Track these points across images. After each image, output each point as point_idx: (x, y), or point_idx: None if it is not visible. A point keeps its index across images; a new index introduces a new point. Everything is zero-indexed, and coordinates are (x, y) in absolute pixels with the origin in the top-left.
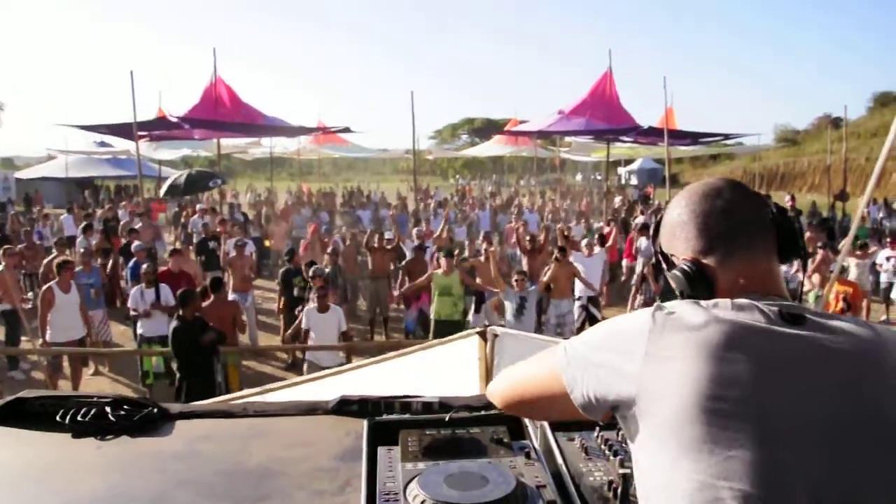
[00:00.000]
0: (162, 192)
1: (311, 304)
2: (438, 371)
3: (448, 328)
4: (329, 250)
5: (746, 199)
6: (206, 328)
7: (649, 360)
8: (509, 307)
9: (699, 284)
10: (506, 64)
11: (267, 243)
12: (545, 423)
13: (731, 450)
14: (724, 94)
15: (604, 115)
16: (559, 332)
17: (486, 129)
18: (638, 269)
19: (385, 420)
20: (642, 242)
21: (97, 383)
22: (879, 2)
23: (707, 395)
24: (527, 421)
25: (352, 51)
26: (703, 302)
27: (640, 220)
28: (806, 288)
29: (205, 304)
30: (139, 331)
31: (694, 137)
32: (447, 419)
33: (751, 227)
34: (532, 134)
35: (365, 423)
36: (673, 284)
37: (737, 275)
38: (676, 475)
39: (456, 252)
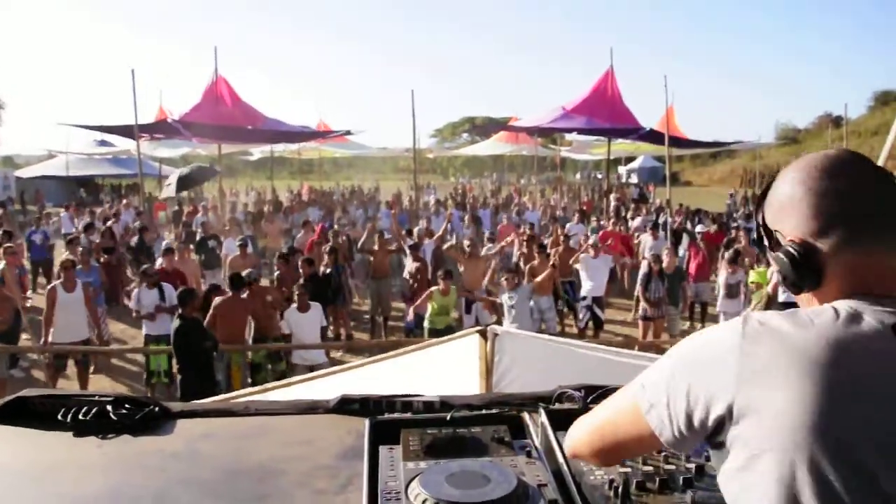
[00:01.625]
0: (162, 194)
1: (293, 305)
2: (439, 370)
3: (442, 334)
4: (327, 249)
5: (876, 178)
6: (204, 332)
7: (743, 377)
8: (506, 303)
9: (806, 271)
10: (506, 63)
11: (262, 242)
12: (545, 421)
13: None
14: (725, 93)
15: (606, 114)
16: (542, 328)
17: (486, 127)
18: (643, 269)
19: (387, 419)
20: (647, 241)
21: (97, 382)
22: (881, 1)
23: (809, 423)
24: (527, 419)
25: (352, 50)
26: (803, 311)
27: (637, 221)
28: None
29: (221, 298)
30: (144, 331)
31: (695, 146)
32: (448, 418)
33: (878, 213)
34: (534, 130)
35: (367, 421)
36: (775, 266)
37: (853, 267)
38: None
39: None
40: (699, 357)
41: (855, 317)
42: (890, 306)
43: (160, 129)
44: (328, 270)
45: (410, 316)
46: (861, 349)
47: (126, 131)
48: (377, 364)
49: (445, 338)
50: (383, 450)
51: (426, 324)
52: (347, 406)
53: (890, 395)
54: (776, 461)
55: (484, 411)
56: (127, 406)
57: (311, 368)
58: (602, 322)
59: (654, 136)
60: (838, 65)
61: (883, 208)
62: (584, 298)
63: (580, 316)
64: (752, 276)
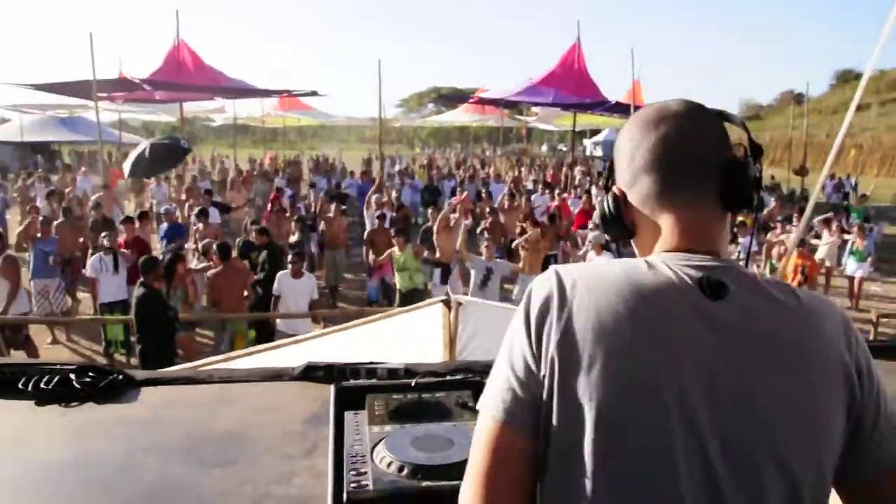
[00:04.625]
0: (126, 170)
1: (286, 269)
2: (403, 339)
3: (410, 298)
4: (296, 218)
5: (696, 131)
6: (165, 302)
7: (557, 324)
8: (474, 276)
9: (613, 223)
10: (474, 34)
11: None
12: None
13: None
14: (690, 69)
15: (572, 87)
16: None
17: (452, 97)
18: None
19: (352, 385)
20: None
21: (55, 353)
22: None
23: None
24: None
25: (318, 17)
26: (616, 261)
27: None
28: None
29: (214, 270)
30: (99, 299)
31: None
32: (413, 384)
33: (688, 167)
34: (500, 102)
35: (332, 387)
36: (594, 214)
37: (662, 222)
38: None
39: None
40: (520, 321)
41: (665, 270)
42: (703, 259)
43: (120, 86)
44: (293, 239)
45: (373, 284)
46: (660, 302)
47: (83, 90)
48: (340, 333)
49: (410, 307)
50: (349, 415)
51: (398, 284)
52: (312, 373)
53: (670, 356)
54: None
55: (448, 377)
56: (90, 374)
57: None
58: None
59: (620, 109)
60: (801, 44)
61: (695, 162)
62: None
63: None
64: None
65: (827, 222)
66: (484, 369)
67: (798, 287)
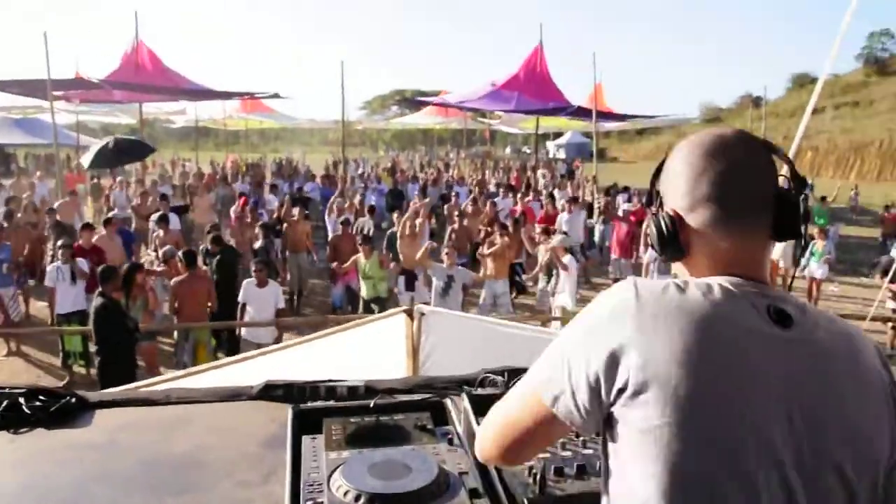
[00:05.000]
0: (86, 160)
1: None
2: (366, 350)
3: (374, 306)
4: (259, 224)
5: (753, 163)
6: (124, 313)
7: (641, 331)
8: (435, 284)
9: (670, 244)
10: (437, 38)
11: (189, 217)
12: (468, 407)
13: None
14: (652, 73)
15: (535, 91)
16: (494, 313)
17: (416, 100)
18: (556, 241)
19: (309, 407)
20: (563, 216)
21: (11, 365)
22: None
23: (694, 396)
24: (450, 405)
25: (283, 19)
26: (692, 282)
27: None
28: None
29: (178, 278)
30: (57, 310)
31: (621, 119)
32: (371, 405)
33: (747, 199)
34: (463, 107)
35: (290, 410)
36: (647, 230)
37: (720, 247)
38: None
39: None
40: (595, 324)
41: (738, 295)
42: (759, 287)
43: (77, 85)
44: (257, 245)
45: (338, 290)
46: (737, 326)
47: (38, 89)
48: (304, 345)
49: (372, 317)
50: (306, 440)
51: (362, 292)
52: (271, 392)
53: (754, 373)
54: (659, 426)
55: (407, 397)
56: (40, 398)
57: (259, 346)
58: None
59: (582, 113)
60: (759, 49)
61: (752, 194)
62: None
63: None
64: None
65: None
66: (445, 385)
67: None
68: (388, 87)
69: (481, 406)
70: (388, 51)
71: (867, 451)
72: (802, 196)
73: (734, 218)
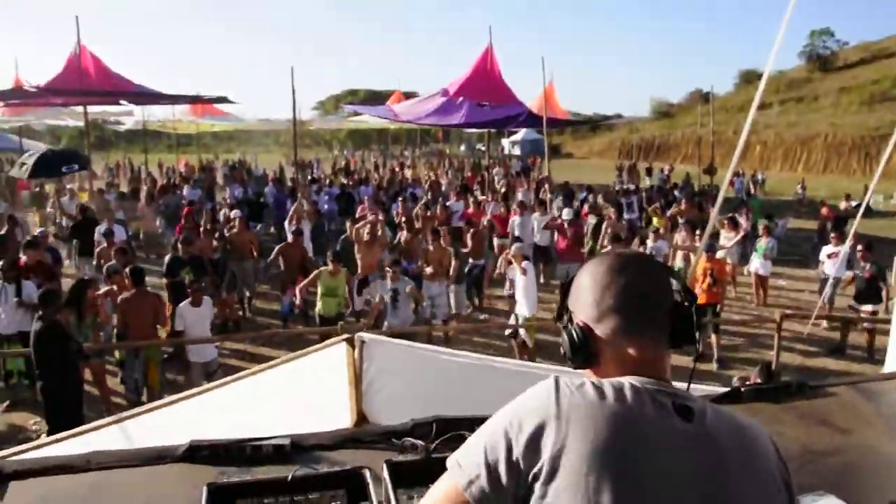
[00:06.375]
0: (25, 172)
1: (187, 300)
2: (308, 381)
3: (332, 324)
4: (217, 235)
5: (650, 280)
6: (67, 336)
7: (558, 435)
8: (381, 299)
9: (581, 352)
10: (389, 38)
11: (137, 226)
12: (387, 480)
13: None
14: (602, 72)
15: (488, 93)
16: (432, 314)
17: (369, 100)
18: (514, 249)
19: (224, 485)
20: (515, 219)
21: None
22: None
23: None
24: (368, 478)
25: (228, 25)
26: (606, 382)
27: (520, 194)
28: (678, 258)
29: (125, 295)
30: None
31: (573, 124)
32: (288, 479)
33: (648, 310)
34: (414, 123)
35: (204, 489)
36: (561, 341)
37: (626, 354)
38: None
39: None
40: (518, 414)
41: (643, 392)
42: (663, 386)
43: (16, 95)
44: (216, 256)
45: (287, 300)
46: (646, 423)
47: None
48: (248, 379)
49: (313, 348)
50: None
51: (317, 309)
52: (196, 454)
53: (666, 471)
54: None
55: (325, 470)
56: None
57: (206, 365)
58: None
59: (533, 121)
60: (707, 45)
61: (654, 306)
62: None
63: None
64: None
65: (729, 222)
66: (373, 439)
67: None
68: (341, 87)
69: (402, 476)
70: (339, 50)
71: None
72: (693, 308)
73: (637, 327)
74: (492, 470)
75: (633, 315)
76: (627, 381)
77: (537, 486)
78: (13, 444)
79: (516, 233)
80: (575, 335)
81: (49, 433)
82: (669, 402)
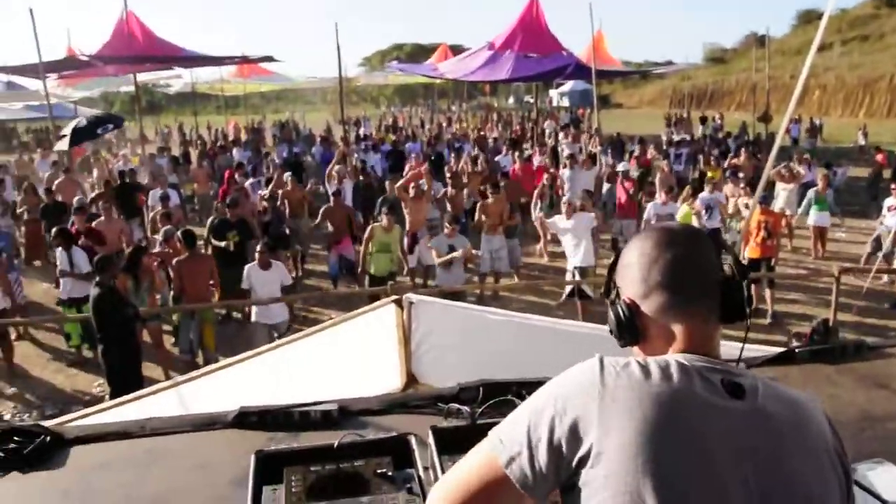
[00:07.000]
0: (64, 144)
1: (254, 262)
2: (358, 342)
3: (384, 283)
4: (266, 196)
5: (698, 255)
6: (123, 299)
7: (603, 410)
8: (436, 255)
9: (628, 330)
10: None
11: (190, 189)
12: (433, 446)
13: None
14: (654, 17)
15: (533, 44)
16: (495, 267)
17: (415, 54)
18: (566, 197)
19: (272, 453)
20: (565, 174)
21: (21, 349)
22: None
23: (645, 469)
24: (414, 444)
25: None
26: (652, 361)
27: (565, 149)
28: (730, 210)
29: (180, 258)
30: (61, 295)
31: (624, 75)
32: (336, 445)
33: (696, 285)
34: (461, 80)
35: (252, 457)
36: (608, 319)
37: (674, 330)
38: None
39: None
40: (562, 394)
41: (691, 371)
42: (713, 363)
43: (69, 65)
44: (267, 218)
45: (333, 258)
46: (694, 402)
47: (30, 71)
48: (296, 343)
49: (361, 310)
50: (267, 491)
51: (370, 267)
52: (245, 420)
53: (716, 451)
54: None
55: (370, 436)
56: (16, 439)
57: (275, 327)
58: (590, 297)
59: (582, 72)
60: None
61: (703, 282)
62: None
63: (566, 291)
64: (682, 210)
65: (784, 171)
66: (419, 404)
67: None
68: (387, 43)
69: (447, 442)
70: (383, 4)
71: None
72: (745, 281)
73: (685, 303)
74: (533, 449)
75: (680, 291)
76: (674, 359)
77: (583, 472)
78: (80, 406)
79: (566, 186)
80: (622, 312)
81: (111, 396)
82: (719, 379)
